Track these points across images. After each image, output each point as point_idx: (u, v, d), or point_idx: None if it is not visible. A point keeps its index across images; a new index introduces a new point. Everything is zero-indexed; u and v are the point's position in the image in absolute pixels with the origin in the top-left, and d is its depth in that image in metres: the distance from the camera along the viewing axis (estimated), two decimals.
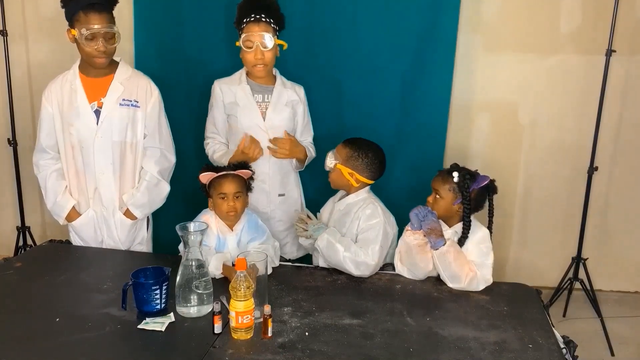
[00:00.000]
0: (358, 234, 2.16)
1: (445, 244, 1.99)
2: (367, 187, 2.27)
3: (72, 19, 2.21)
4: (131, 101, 2.33)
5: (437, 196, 2.11)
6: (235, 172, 2.16)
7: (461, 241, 2.07)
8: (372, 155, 2.22)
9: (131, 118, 2.33)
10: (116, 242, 2.39)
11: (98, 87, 2.31)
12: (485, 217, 2.17)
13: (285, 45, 2.37)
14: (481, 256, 2.04)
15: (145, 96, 2.36)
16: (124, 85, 2.33)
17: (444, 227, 2.09)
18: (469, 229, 2.07)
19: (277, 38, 2.36)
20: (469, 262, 2.01)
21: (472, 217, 2.10)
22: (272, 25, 2.33)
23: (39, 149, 2.39)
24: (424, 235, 2.02)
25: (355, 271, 2.08)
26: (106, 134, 2.30)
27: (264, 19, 2.31)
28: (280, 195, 2.51)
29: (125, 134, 2.33)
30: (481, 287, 2.00)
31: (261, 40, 2.30)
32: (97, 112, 2.29)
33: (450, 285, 2.01)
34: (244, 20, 2.33)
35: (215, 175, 2.13)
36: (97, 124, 2.29)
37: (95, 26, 2.17)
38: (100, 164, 2.32)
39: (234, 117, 2.43)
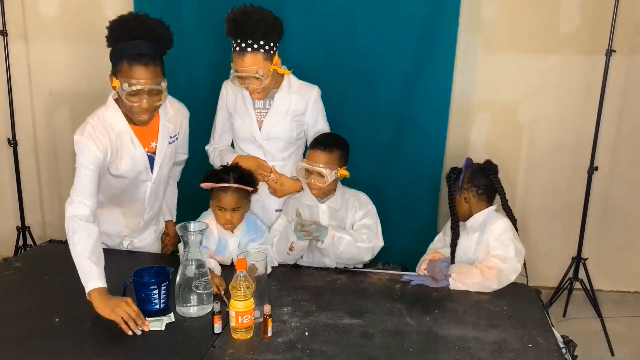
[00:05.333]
0: (355, 222, 2.21)
1: (448, 283, 2.01)
2: None
3: (115, 66, 1.93)
4: (176, 135, 2.17)
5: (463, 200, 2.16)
6: (237, 186, 2.10)
7: (453, 247, 2.11)
8: (347, 144, 2.24)
9: (175, 151, 2.20)
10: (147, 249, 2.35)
11: (147, 131, 2.08)
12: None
13: (288, 73, 2.22)
14: (504, 248, 2.04)
15: (185, 125, 2.23)
16: (171, 123, 2.13)
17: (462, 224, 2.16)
18: (458, 231, 2.13)
19: (276, 51, 2.15)
20: (485, 267, 2.00)
21: (491, 210, 2.13)
22: (262, 50, 2.08)
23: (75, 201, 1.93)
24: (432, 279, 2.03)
25: (369, 257, 2.19)
26: (159, 177, 2.16)
27: (249, 50, 2.07)
28: (277, 210, 2.37)
29: (170, 168, 2.24)
30: (512, 278, 2.00)
31: (251, 75, 2.10)
32: (150, 158, 2.10)
33: (489, 291, 2.00)
34: (232, 45, 2.11)
35: (216, 186, 2.10)
36: (152, 171, 2.11)
37: (140, 81, 1.88)
38: (149, 204, 2.20)
39: (232, 123, 2.35)
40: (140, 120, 1.99)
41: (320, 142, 2.20)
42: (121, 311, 1.68)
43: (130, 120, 2.03)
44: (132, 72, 1.88)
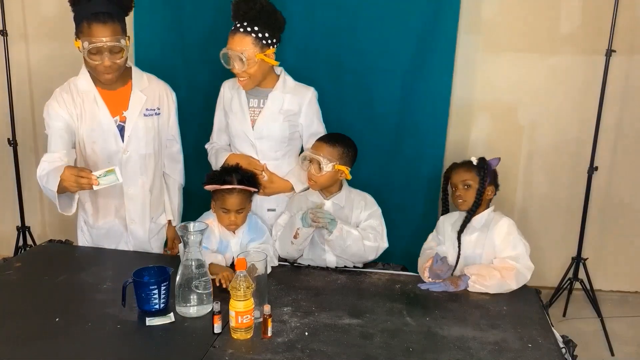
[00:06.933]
0: (360, 222, 2.21)
1: (469, 278, 2.00)
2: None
3: (77, 29, 2.02)
4: (154, 109, 2.21)
5: (467, 187, 2.14)
6: (241, 187, 2.09)
7: (467, 219, 2.11)
8: (355, 148, 2.25)
9: (156, 127, 2.23)
10: (146, 249, 2.35)
11: (118, 99, 2.14)
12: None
13: (276, 63, 2.22)
14: (513, 248, 2.05)
15: (167, 102, 2.27)
16: (145, 94, 2.18)
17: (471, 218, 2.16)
18: (478, 206, 2.12)
19: (270, 45, 2.16)
20: (502, 267, 2.00)
21: (491, 210, 2.15)
22: (254, 35, 2.11)
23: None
24: (451, 283, 2.01)
25: (373, 257, 2.20)
26: (133, 149, 2.18)
27: (241, 30, 2.11)
28: (270, 210, 2.36)
29: (152, 145, 2.24)
30: (529, 276, 2.01)
31: (235, 56, 2.13)
32: (120, 127, 2.16)
33: (508, 291, 2.00)
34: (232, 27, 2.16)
35: (220, 187, 2.09)
36: (123, 140, 2.16)
37: (100, 39, 1.96)
38: (127, 180, 2.18)
39: (228, 122, 2.36)
40: (106, 78, 2.06)
41: (327, 136, 2.25)
42: (66, 179, 1.80)
43: (99, 84, 2.11)
44: (91, 31, 1.96)
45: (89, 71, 2.13)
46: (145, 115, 2.19)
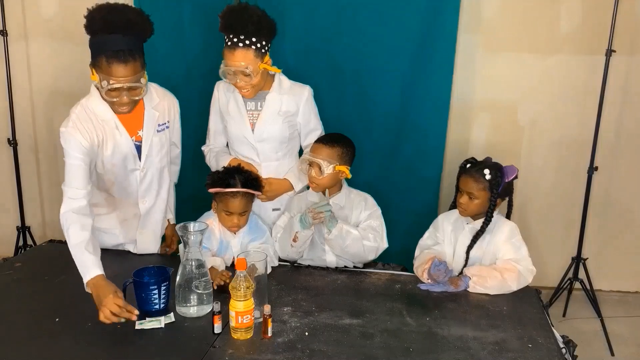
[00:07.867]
0: (360, 222, 2.21)
1: (470, 279, 2.00)
2: None
3: (94, 60, 1.90)
4: (165, 124, 2.18)
5: (471, 198, 2.10)
6: (246, 190, 2.09)
7: (478, 234, 2.09)
8: (353, 146, 2.24)
9: (168, 140, 2.22)
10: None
11: (133, 119, 2.09)
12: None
13: (278, 71, 2.23)
14: (516, 251, 2.06)
15: (173, 113, 2.24)
16: (156, 110, 2.13)
17: (468, 220, 2.15)
18: (489, 223, 2.08)
19: (268, 51, 2.17)
20: (504, 268, 2.01)
21: (496, 213, 2.13)
22: (254, 46, 2.09)
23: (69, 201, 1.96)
24: (451, 284, 2.00)
25: (373, 257, 2.20)
26: (150, 165, 2.16)
27: (241, 45, 2.08)
28: (274, 209, 2.38)
29: (166, 158, 2.23)
30: (530, 279, 2.02)
31: (240, 71, 2.11)
32: (137, 147, 2.12)
33: (508, 292, 2.00)
34: (225, 41, 2.12)
35: (223, 190, 2.09)
36: (140, 159, 2.13)
37: (120, 79, 1.86)
38: (142, 194, 2.19)
39: (225, 125, 2.35)
40: (121, 111, 2.01)
41: (325, 137, 2.24)
42: (106, 310, 1.69)
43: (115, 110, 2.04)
44: (111, 70, 1.85)
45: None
46: (158, 131, 2.16)
